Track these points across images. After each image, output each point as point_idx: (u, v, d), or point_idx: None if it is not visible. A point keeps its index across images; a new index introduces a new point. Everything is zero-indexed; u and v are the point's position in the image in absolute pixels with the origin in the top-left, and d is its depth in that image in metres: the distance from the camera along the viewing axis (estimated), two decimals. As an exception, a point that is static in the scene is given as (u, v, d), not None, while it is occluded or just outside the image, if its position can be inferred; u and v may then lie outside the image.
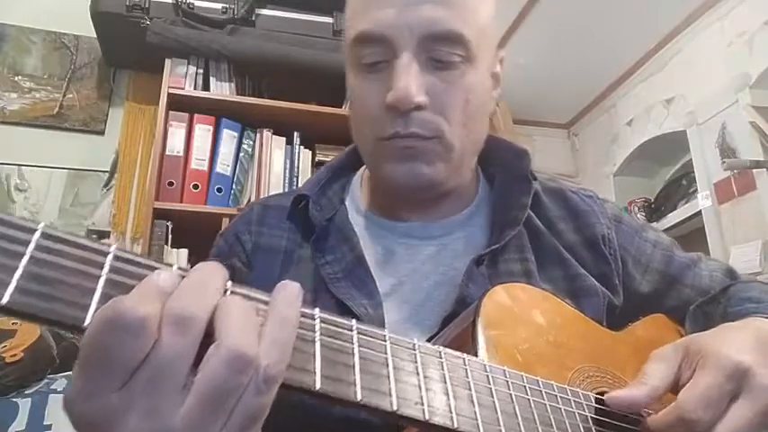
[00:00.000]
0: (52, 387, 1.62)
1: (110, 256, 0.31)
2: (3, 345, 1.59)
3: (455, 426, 0.38)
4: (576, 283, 0.66)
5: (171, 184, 1.75)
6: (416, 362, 0.39)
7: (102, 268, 0.30)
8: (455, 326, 0.53)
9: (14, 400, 1.55)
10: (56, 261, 0.29)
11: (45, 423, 1.53)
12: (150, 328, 0.29)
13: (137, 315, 0.29)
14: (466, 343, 0.47)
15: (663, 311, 0.71)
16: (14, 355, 1.58)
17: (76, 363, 0.30)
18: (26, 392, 1.58)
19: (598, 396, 0.50)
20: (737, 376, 0.47)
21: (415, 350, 0.40)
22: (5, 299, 0.27)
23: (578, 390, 0.50)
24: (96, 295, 0.30)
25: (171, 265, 0.33)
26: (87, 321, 0.29)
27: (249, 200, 1.84)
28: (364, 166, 0.76)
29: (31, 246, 0.29)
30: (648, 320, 0.68)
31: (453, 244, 0.68)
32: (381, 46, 0.60)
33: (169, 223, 1.71)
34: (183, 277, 0.32)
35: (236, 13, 1.93)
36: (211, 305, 0.31)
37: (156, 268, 0.32)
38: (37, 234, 0.29)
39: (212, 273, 0.33)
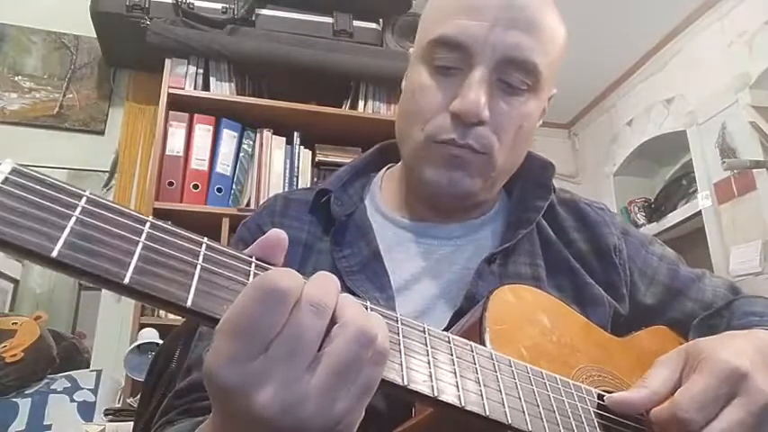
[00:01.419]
0: (52, 387, 1.62)
1: (147, 224, 0.34)
2: (3, 345, 1.59)
3: (462, 404, 0.39)
4: (583, 292, 0.67)
5: (171, 184, 1.75)
6: (426, 344, 0.41)
7: (140, 235, 0.33)
8: (464, 321, 0.55)
9: (14, 400, 1.55)
10: (99, 224, 0.32)
11: (45, 423, 1.53)
12: (292, 299, 0.33)
13: (282, 286, 0.33)
14: (473, 336, 0.49)
15: (665, 323, 0.72)
16: (14, 355, 1.57)
17: (220, 330, 0.33)
18: (26, 392, 1.58)
19: (600, 392, 0.51)
20: (734, 379, 0.47)
21: (425, 333, 0.42)
22: (55, 252, 0.29)
23: (581, 384, 0.50)
24: (135, 256, 0.32)
25: (203, 238, 0.36)
26: (127, 279, 0.31)
27: (249, 200, 1.84)
28: (385, 168, 0.78)
29: (78, 209, 0.32)
30: (651, 330, 0.69)
31: (469, 245, 0.69)
32: (460, 54, 0.61)
33: (169, 223, 1.70)
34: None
35: (236, 13, 1.93)
36: (335, 299, 0.36)
37: (187, 237, 0.35)
38: (83, 199, 0.32)
39: (332, 277, 0.37)
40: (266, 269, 0.37)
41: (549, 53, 0.63)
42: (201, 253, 0.35)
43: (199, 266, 0.34)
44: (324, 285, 0.36)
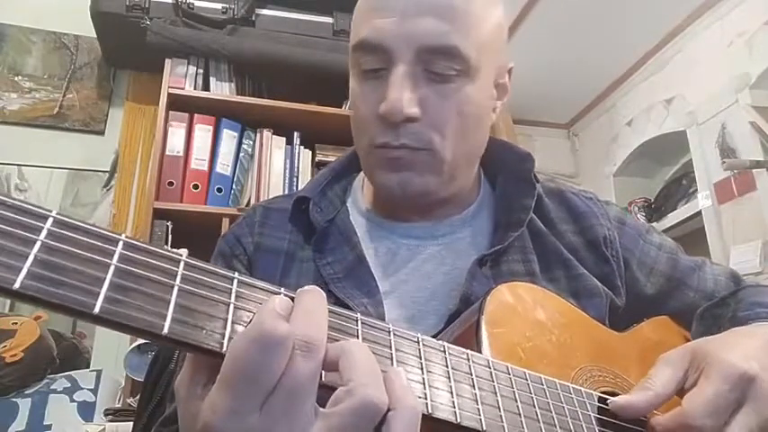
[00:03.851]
0: (52, 387, 1.61)
1: (120, 245, 0.31)
2: (3, 345, 1.59)
3: (458, 421, 0.38)
4: (578, 284, 0.66)
5: (171, 184, 1.75)
6: (420, 356, 0.39)
7: (112, 257, 0.31)
8: (459, 324, 0.54)
9: (14, 400, 1.55)
10: (67, 248, 0.30)
11: (45, 423, 1.53)
12: (289, 346, 0.31)
13: (280, 333, 0.31)
14: (470, 341, 0.48)
15: (666, 313, 0.71)
16: (14, 355, 1.57)
17: (218, 382, 0.31)
18: (26, 392, 1.58)
19: (601, 395, 0.50)
20: (743, 384, 0.47)
21: (419, 344, 0.40)
22: (17, 284, 0.27)
23: (581, 388, 0.50)
24: (106, 283, 0.30)
25: (181, 255, 0.33)
26: (97, 309, 0.29)
27: (249, 200, 1.84)
28: None
29: (44, 232, 0.29)
30: (652, 322, 0.68)
31: (456, 244, 0.68)
32: (380, 54, 0.60)
33: (169, 223, 1.71)
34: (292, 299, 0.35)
35: (236, 13, 1.93)
36: (325, 331, 0.34)
37: (163, 256, 0.33)
38: (49, 221, 0.30)
39: (317, 298, 0.35)
40: (249, 285, 0.35)
41: (471, 33, 0.60)
42: (179, 273, 0.33)
43: (176, 289, 0.32)
44: (308, 318, 0.33)
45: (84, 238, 0.31)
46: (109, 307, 0.29)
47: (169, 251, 0.33)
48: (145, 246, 0.32)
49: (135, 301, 0.30)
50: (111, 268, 0.30)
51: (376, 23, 0.60)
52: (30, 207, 0.30)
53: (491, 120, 0.68)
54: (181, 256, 0.34)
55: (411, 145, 0.60)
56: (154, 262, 0.32)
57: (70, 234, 0.30)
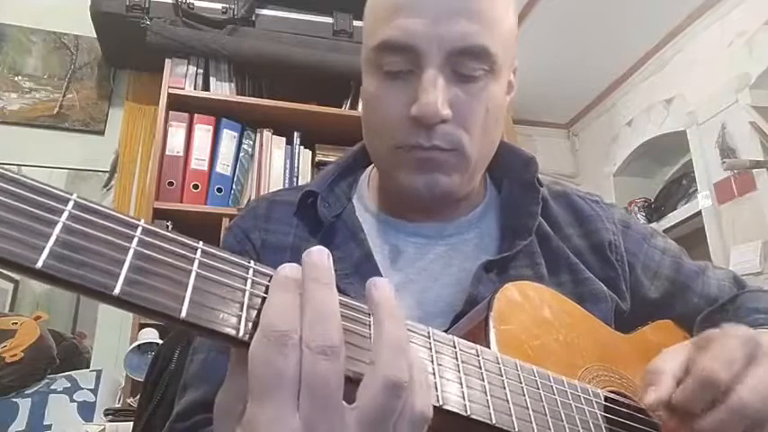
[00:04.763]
0: (52, 387, 1.61)
1: (139, 229, 0.32)
2: (3, 345, 1.58)
3: (468, 413, 0.38)
4: (584, 288, 0.66)
5: (171, 184, 1.75)
6: (431, 349, 0.40)
7: (131, 241, 0.31)
8: (467, 321, 0.54)
9: (14, 400, 1.55)
10: (88, 230, 0.30)
11: (45, 423, 1.53)
12: (287, 341, 0.31)
13: (278, 330, 0.31)
14: (478, 337, 0.48)
15: (670, 317, 0.71)
16: (14, 355, 1.57)
17: (251, 393, 0.32)
18: (26, 392, 1.58)
19: (608, 394, 0.51)
20: (753, 343, 0.47)
21: (429, 338, 0.40)
22: (40, 263, 0.28)
23: (588, 387, 0.50)
24: (126, 265, 0.30)
25: (198, 242, 0.34)
26: (117, 290, 0.29)
27: (249, 200, 1.84)
28: (372, 165, 0.76)
29: (65, 214, 0.30)
30: (656, 325, 0.68)
31: (463, 245, 0.68)
32: (407, 55, 0.59)
33: (169, 223, 1.71)
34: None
35: (236, 13, 1.93)
36: (341, 330, 0.33)
37: (181, 242, 0.33)
38: (71, 203, 0.30)
39: (330, 292, 0.35)
40: (264, 273, 0.36)
41: (497, 33, 0.60)
42: (197, 259, 0.33)
43: (194, 274, 0.32)
44: (325, 317, 0.33)
45: (105, 222, 0.31)
46: (128, 289, 0.30)
47: (186, 237, 0.34)
48: (163, 231, 0.33)
49: (154, 283, 0.31)
50: (131, 251, 0.31)
51: (404, 24, 0.59)
52: (51, 189, 0.30)
53: (504, 115, 0.68)
54: (198, 243, 0.34)
55: (442, 146, 0.60)
56: (172, 247, 0.33)
57: (91, 217, 0.31)
